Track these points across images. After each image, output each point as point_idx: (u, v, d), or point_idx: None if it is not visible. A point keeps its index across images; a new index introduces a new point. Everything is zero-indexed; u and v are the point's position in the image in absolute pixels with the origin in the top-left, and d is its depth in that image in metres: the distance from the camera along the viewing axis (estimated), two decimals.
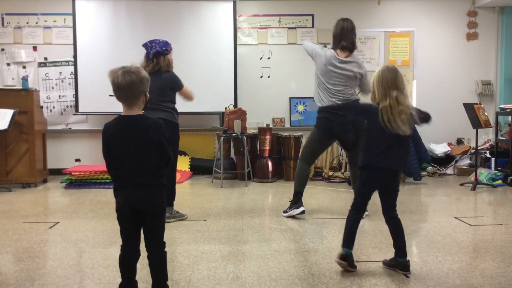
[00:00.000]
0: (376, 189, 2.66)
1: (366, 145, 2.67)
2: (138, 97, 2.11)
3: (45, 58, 6.50)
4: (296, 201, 3.97)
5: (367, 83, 3.90)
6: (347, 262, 2.61)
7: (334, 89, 3.86)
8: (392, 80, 2.53)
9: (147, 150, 2.09)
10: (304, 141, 5.49)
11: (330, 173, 6.10)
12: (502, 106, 6.15)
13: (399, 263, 2.64)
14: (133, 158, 2.09)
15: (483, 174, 5.62)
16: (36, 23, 6.48)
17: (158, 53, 3.77)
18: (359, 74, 3.90)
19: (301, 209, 3.93)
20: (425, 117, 2.65)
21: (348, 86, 3.88)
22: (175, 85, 3.86)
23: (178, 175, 5.91)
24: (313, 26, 6.65)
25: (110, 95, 2.14)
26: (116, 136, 2.11)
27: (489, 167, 5.99)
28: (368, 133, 2.66)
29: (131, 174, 2.10)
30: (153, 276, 2.17)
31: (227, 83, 6.37)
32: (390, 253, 2.78)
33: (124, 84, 2.05)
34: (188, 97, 3.99)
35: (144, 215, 2.11)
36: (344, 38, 3.89)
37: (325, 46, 4.09)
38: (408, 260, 2.64)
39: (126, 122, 2.11)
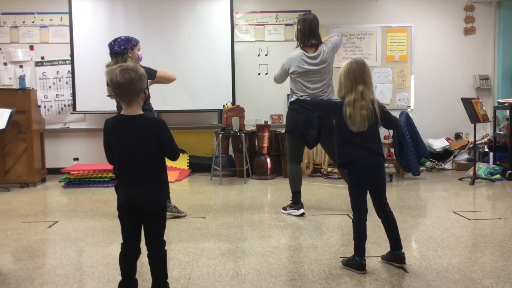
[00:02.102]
0: (367, 186, 2.62)
1: (338, 141, 2.62)
2: (137, 94, 2.11)
3: (42, 57, 6.49)
4: (296, 201, 3.95)
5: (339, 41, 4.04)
6: (364, 270, 2.57)
7: (312, 87, 3.87)
8: (359, 74, 2.51)
9: (147, 151, 2.09)
10: None
11: (329, 169, 6.11)
12: (500, 100, 6.16)
13: (395, 256, 2.64)
14: (133, 158, 2.09)
15: (482, 168, 5.63)
16: (33, 22, 6.47)
17: (116, 53, 3.71)
18: (334, 48, 3.94)
19: (301, 211, 3.90)
20: (390, 121, 2.64)
21: (325, 81, 3.90)
22: (148, 75, 3.79)
23: (176, 173, 5.94)
24: None
25: (108, 96, 2.13)
26: (115, 137, 2.10)
27: (488, 162, 6.00)
28: (338, 130, 2.61)
29: (132, 172, 2.10)
30: (153, 274, 2.17)
31: (225, 81, 6.37)
32: (388, 248, 2.78)
33: (124, 82, 2.04)
34: (166, 79, 3.77)
35: (144, 213, 2.11)
36: (312, 35, 3.90)
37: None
38: (404, 253, 2.64)
39: (125, 124, 2.10)
